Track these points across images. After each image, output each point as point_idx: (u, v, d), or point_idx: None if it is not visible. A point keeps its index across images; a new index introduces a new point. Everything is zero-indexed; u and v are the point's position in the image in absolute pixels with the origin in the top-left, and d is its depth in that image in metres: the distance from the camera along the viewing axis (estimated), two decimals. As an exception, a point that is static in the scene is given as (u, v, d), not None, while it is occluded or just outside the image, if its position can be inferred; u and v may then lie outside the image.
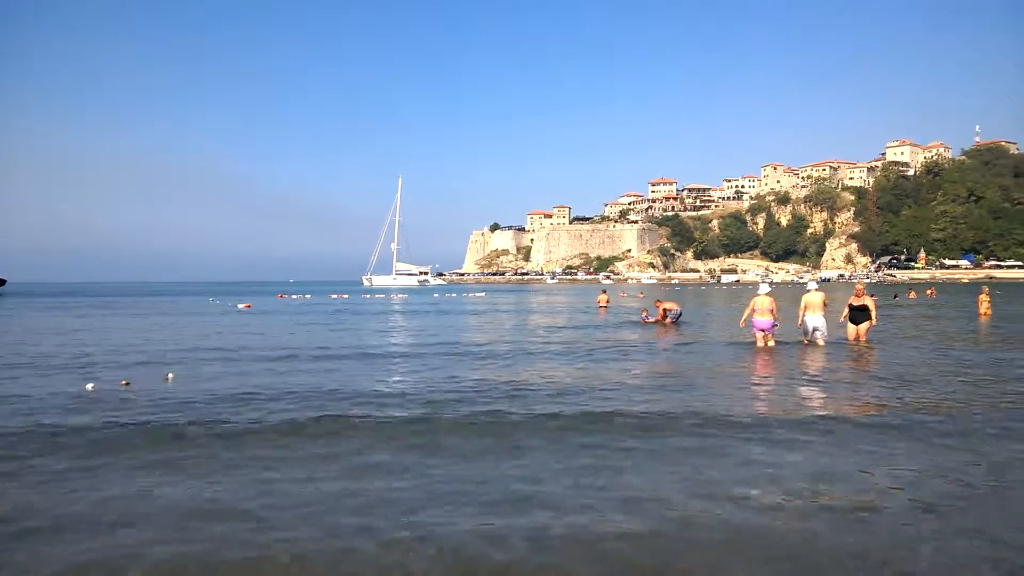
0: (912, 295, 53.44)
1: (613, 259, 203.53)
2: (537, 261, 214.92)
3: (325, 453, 6.95)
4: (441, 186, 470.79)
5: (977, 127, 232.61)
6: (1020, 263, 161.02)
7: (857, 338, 16.95)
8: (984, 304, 28.86)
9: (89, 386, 11.11)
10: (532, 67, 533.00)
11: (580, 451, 6.94)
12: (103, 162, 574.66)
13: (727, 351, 16.24)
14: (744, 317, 17.10)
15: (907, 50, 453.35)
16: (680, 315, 25.61)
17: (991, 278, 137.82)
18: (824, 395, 10.13)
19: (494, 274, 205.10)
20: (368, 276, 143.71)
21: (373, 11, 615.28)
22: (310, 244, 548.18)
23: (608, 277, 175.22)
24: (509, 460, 6.65)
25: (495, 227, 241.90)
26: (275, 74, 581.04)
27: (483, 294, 78.59)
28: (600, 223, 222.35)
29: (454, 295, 75.58)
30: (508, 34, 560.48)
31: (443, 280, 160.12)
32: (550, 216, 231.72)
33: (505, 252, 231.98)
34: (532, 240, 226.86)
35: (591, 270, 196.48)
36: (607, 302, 39.58)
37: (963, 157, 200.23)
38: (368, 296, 72.34)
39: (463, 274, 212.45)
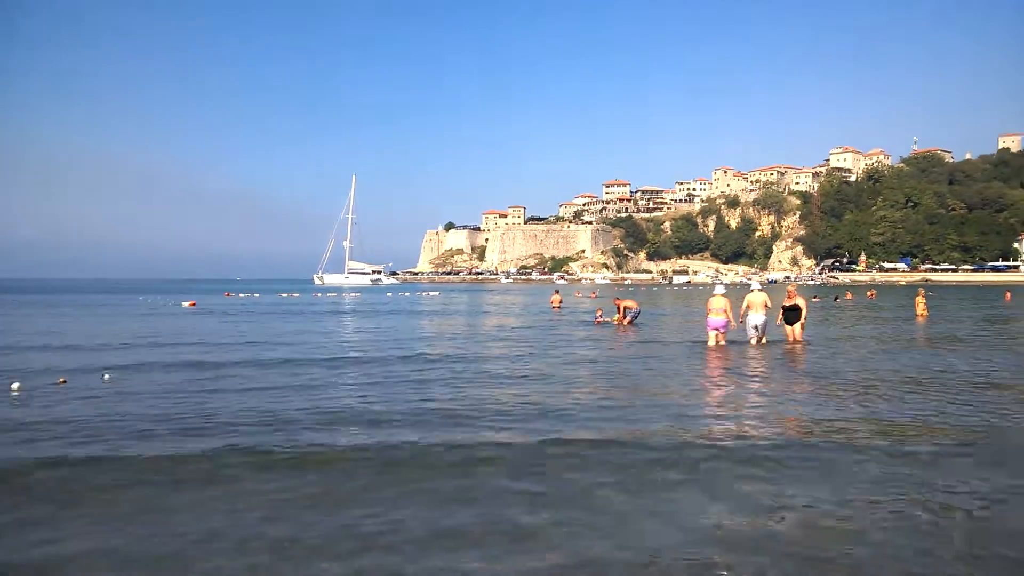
0: (849, 296, 55.60)
1: (567, 259, 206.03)
2: (492, 261, 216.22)
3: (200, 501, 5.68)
4: (396, 185, 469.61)
5: (915, 136, 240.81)
6: (953, 267, 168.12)
7: (793, 340, 17.58)
8: (920, 306, 30.62)
9: (14, 386, 11.18)
10: (490, 67, 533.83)
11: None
12: (40, 157, 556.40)
13: (681, 350, 17.13)
14: (705, 315, 17.73)
15: (850, 61, 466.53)
16: (638, 314, 26.03)
17: (927, 281, 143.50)
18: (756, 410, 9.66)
19: (448, 273, 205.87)
20: (320, 275, 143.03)
21: (325, 5, 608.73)
22: (260, 242, 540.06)
23: (562, 277, 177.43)
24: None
25: (450, 226, 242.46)
26: (224, 67, 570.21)
27: (437, 294, 79.38)
28: (555, 223, 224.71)
29: (407, 294, 76.11)
30: (466, 32, 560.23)
31: (396, 279, 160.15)
32: (505, 216, 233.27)
33: (460, 251, 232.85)
34: (487, 240, 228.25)
35: (545, 270, 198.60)
36: (560, 302, 39.70)
37: (901, 164, 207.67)
38: (319, 295, 72.46)
39: (417, 273, 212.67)
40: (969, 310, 38.03)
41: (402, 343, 19.71)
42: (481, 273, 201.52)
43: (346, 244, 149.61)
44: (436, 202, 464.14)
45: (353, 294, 77.97)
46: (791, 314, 17.78)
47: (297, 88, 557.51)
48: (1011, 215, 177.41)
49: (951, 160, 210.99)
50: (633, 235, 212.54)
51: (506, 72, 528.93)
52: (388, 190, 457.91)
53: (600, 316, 26.25)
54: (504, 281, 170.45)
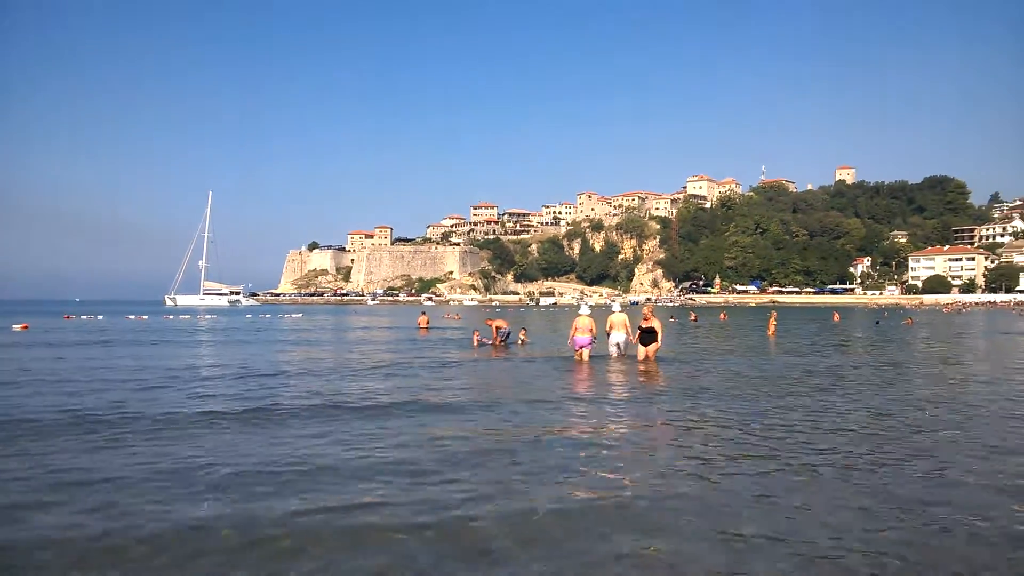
0: (694, 318, 56.01)
1: (435, 281, 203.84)
2: (358, 282, 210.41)
3: None
4: (257, 203, 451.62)
5: (763, 167, 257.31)
6: (797, 289, 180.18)
7: (647, 358, 17.73)
8: (772, 325, 33.14)
9: None
10: (359, 86, 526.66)
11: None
12: None
13: (554, 364, 17.63)
14: (571, 336, 18.44)
15: (704, 93, 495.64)
16: (509, 334, 25.55)
17: (774, 302, 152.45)
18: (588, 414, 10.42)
19: (312, 295, 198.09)
20: (172, 296, 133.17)
21: (187, 16, 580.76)
22: (105, 262, 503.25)
23: (430, 299, 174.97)
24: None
25: (314, 246, 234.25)
26: (55, 69, 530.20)
27: (299, 316, 75.04)
28: (422, 244, 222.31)
29: (268, 316, 71.44)
30: (341, 48, 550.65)
31: (256, 301, 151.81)
32: (372, 236, 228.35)
33: (324, 272, 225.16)
34: (353, 260, 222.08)
35: (413, 291, 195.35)
36: (427, 323, 39.29)
37: (751, 193, 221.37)
38: (171, 317, 66.66)
39: (279, 295, 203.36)
40: (807, 328, 40.48)
41: (256, 381, 16.85)
42: (347, 294, 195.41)
43: (201, 264, 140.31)
44: (299, 222, 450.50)
45: (209, 316, 72.27)
46: (647, 336, 17.95)
47: (150, 101, 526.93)
48: (847, 242, 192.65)
49: (795, 190, 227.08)
50: (501, 257, 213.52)
51: (373, 94, 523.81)
52: (248, 208, 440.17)
53: (478, 338, 25.24)
54: (370, 303, 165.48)
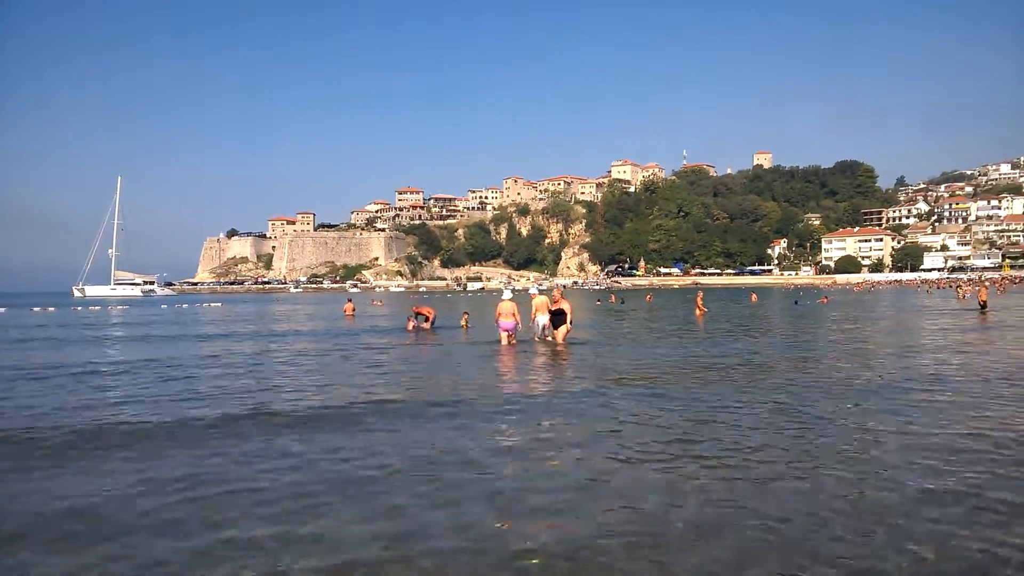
0: (612, 299, 57.75)
1: (360, 267, 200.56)
2: (280, 269, 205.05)
3: None
4: (172, 190, 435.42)
5: (684, 151, 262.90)
6: (718, 270, 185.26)
7: (557, 338, 18.17)
8: (700, 306, 33.89)
9: None
10: (270, 67, 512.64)
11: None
12: None
13: (480, 350, 18.00)
14: (496, 320, 18.85)
15: (629, 77, 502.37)
16: (434, 319, 25.93)
17: (696, 284, 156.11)
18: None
19: (232, 283, 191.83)
20: (80, 286, 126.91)
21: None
22: (12, 250, 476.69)
23: (355, 285, 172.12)
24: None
25: (233, 233, 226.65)
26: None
27: (219, 305, 72.57)
28: (347, 231, 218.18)
29: (185, 306, 68.80)
30: (255, 31, 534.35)
31: (172, 290, 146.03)
32: (294, 223, 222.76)
33: (244, 260, 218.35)
34: (274, 247, 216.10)
35: (338, 278, 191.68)
36: (354, 310, 39.00)
37: (674, 178, 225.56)
38: (79, 309, 63.43)
39: (196, 283, 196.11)
40: (731, 310, 41.34)
41: (172, 392, 15.73)
42: (268, 282, 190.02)
43: (111, 252, 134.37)
44: (217, 208, 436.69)
45: (121, 307, 69.09)
46: (557, 318, 18.36)
47: (56, 86, 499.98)
48: (765, 224, 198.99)
49: (715, 174, 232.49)
50: (427, 242, 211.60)
51: (292, 71, 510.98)
52: (162, 196, 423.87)
53: (412, 323, 25.58)
54: (293, 290, 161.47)
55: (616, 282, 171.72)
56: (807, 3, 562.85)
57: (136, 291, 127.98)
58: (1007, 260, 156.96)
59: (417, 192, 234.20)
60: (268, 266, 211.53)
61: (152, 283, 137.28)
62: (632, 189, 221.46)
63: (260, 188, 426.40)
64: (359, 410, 9.46)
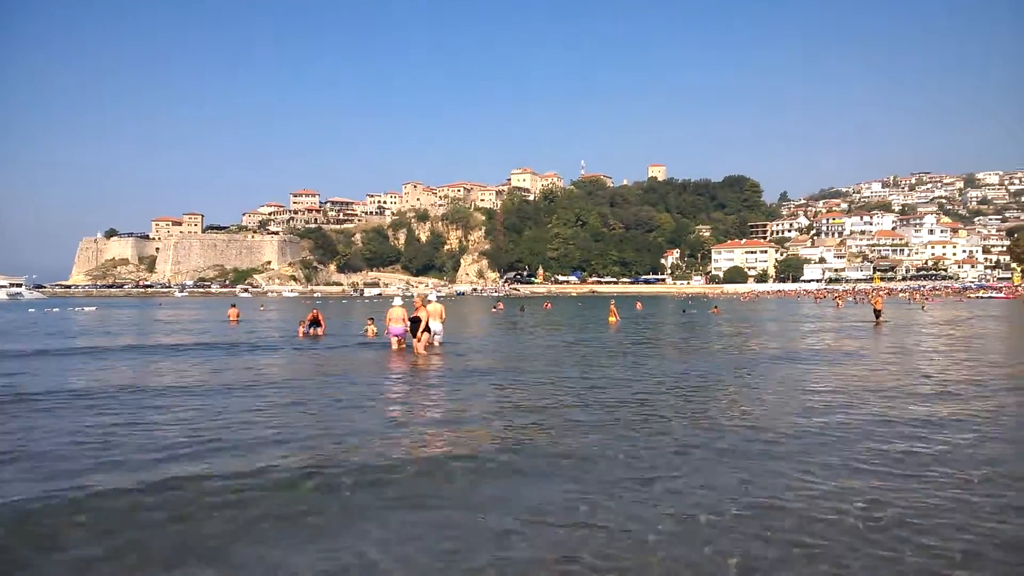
0: (500, 306, 57.32)
1: (252, 271, 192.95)
2: (164, 272, 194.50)
3: None
4: (43, 186, 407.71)
5: (583, 161, 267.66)
6: (614, 279, 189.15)
7: (415, 345, 17.89)
8: (613, 315, 34.31)
9: None
10: (161, 62, 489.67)
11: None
12: None
13: (366, 353, 18.67)
14: (386, 326, 19.27)
15: (522, 88, 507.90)
16: (320, 325, 25.68)
17: (593, 292, 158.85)
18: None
19: (111, 286, 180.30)
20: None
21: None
22: None
23: (246, 290, 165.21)
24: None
25: (112, 233, 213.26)
26: None
27: (93, 309, 67.78)
28: (237, 233, 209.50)
29: (56, 310, 63.86)
30: (135, 23, 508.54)
31: (42, 293, 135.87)
32: (180, 224, 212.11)
33: (124, 262, 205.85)
34: (158, 249, 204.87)
35: (227, 283, 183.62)
36: (238, 316, 37.64)
37: (572, 187, 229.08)
38: (-68, 313, 57.70)
39: (69, 286, 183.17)
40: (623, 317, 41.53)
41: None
42: (151, 286, 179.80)
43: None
44: (95, 208, 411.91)
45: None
46: (414, 324, 18.16)
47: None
48: (659, 235, 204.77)
49: (612, 185, 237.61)
50: (323, 247, 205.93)
51: (180, 63, 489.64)
52: (30, 191, 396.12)
53: (302, 330, 25.04)
54: (178, 295, 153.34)
55: (515, 289, 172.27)
56: (699, 31, 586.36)
57: (0, 294, 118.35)
58: (877, 273, 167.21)
59: (313, 195, 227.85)
60: (151, 269, 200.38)
61: (19, 285, 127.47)
62: (531, 197, 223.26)
63: (143, 187, 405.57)
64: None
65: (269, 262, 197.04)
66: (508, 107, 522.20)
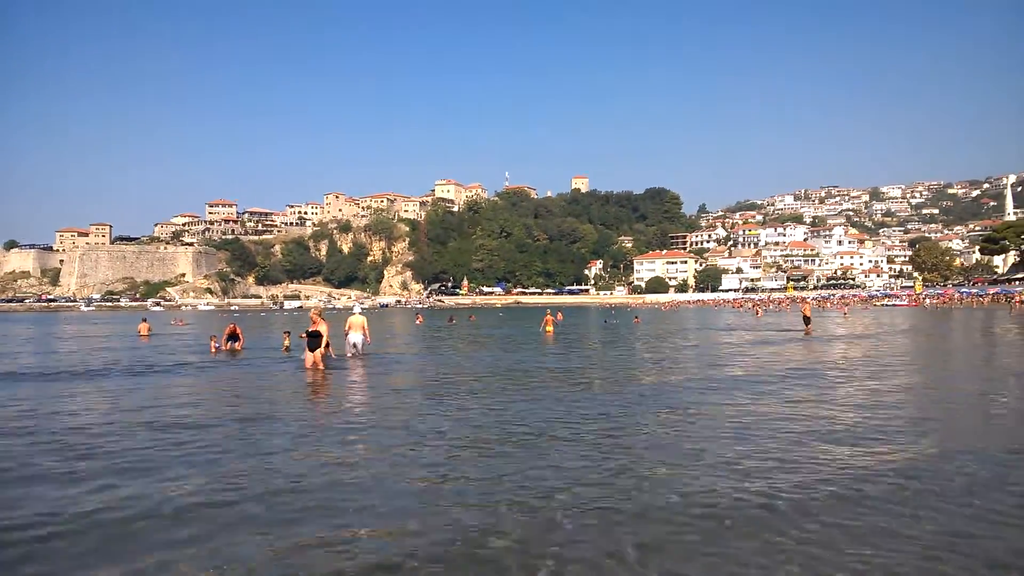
0: (420, 319, 56.03)
1: (165, 284, 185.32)
2: (69, 285, 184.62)
3: None
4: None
5: (507, 173, 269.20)
6: (539, 290, 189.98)
7: (314, 364, 16.45)
8: (549, 323, 33.59)
9: None
10: (62, 64, 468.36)
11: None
12: None
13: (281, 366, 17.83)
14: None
15: (451, 102, 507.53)
16: (239, 339, 24.74)
17: (518, 303, 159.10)
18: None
19: (10, 300, 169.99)
20: None
21: None
22: None
23: (158, 303, 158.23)
24: None
25: (12, 245, 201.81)
26: None
27: (-14, 324, 63.24)
28: (149, 244, 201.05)
29: (-58, 327, 59.18)
30: (38, 27, 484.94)
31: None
32: (87, 235, 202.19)
33: (25, 275, 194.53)
34: (62, 261, 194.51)
35: (138, 296, 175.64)
36: (149, 331, 35.54)
37: (496, 198, 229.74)
38: None
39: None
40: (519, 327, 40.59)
41: None
42: (55, 300, 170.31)
43: None
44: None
45: None
46: (313, 340, 16.74)
47: None
48: (582, 246, 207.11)
49: (536, 196, 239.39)
50: (241, 258, 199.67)
51: (88, 73, 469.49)
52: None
53: (215, 344, 23.63)
54: (85, 308, 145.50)
55: (440, 301, 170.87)
56: (620, 49, 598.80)
57: None
58: (790, 282, 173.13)
59: (230, 205, 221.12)
60: (55, 282, 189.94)
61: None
62: (456, 208, 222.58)
63: (46, 196, 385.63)
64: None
65: (183, 274, 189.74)
66: (432, 118, 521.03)
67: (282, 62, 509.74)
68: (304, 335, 17.04)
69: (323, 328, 16.70)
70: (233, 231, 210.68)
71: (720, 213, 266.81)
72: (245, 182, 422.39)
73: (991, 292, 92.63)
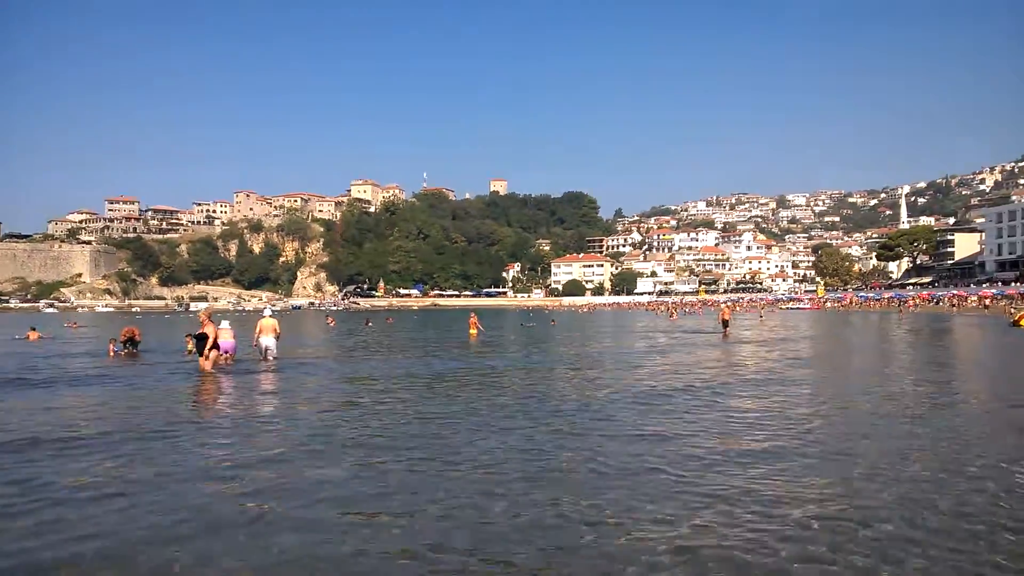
0: (331, 321, 54.71)
1: (60, 284, 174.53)
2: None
3: None
4: None
5: (425, 174, 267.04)
6: (457, 292, 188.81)
7: (204, 367, 15.94)
8: (473, 327, 33.18)
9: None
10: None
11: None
12: None
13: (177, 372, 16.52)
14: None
15: (368, 102, 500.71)
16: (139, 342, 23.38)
17: (435, 305, 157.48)
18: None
19: None
20: None
21: None
22: None
23: (52, 305, 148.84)
24: None
25: None
26: None
27: None
28: (42, 243, 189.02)
29: None
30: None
31: None
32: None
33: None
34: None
35: (29, 297, 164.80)
36: (39, 338, 33.32)
37: (414, 200, 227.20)
38: None
39: None
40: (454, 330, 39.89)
41: None
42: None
43: None
44: None
45: None
46: (200, 342, 16.33)
47: None
48: (500, 248, 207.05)
49: (454, 198, 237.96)
50: (143, 258, 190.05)
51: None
52: None
53: (113, 348, 22.27)
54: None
55: (355, 303, 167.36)
56: (536, 52, 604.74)
57: None
58: (702, 286, 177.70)
59: (132, 202, 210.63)
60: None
61: None
62: (372, 209, 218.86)
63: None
64: None
65: (80, 275, 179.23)
66: (349, 117, 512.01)
67: (187, 51, 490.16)
68: (190, 337, 16.45)
69: (211, 330, 16.12)
70: (135, 229, 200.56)
71: (636, 218, 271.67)
72: (149, 178, 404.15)
73: (886, 296, 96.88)
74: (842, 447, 7.88)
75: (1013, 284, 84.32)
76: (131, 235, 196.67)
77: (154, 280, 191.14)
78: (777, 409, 10.53)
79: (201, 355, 16.15)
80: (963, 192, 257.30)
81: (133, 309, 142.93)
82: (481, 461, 7.19)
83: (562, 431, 8.82)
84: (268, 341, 18.73)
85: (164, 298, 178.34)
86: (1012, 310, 41.77)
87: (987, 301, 67.70)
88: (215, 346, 16.19)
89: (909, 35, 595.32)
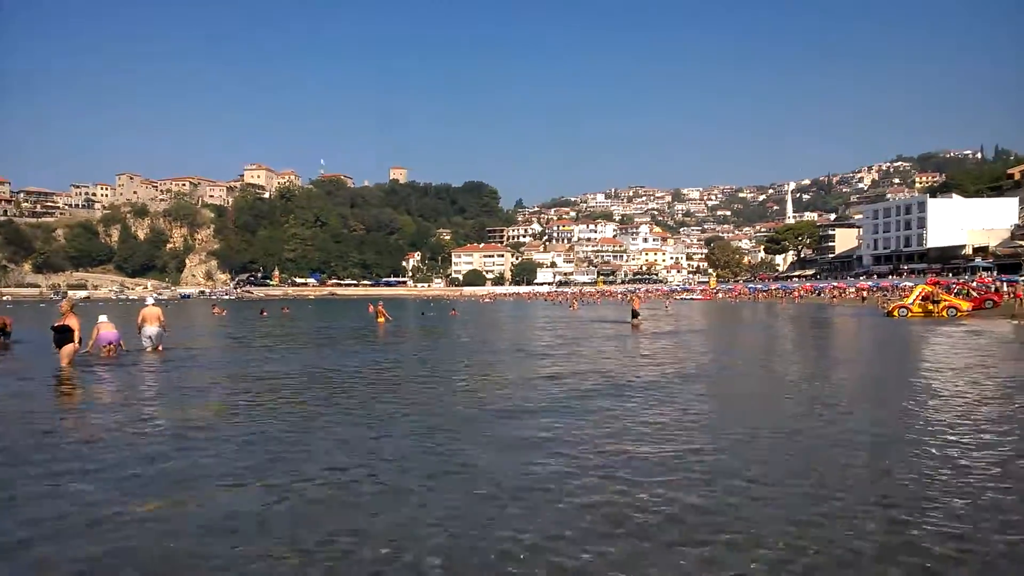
0: (217, 310, 53.42)
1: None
2: None
3: None
4: None
5: (322, 160, 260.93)
6: (355, 282, 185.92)
7: (65, 361, 14.66)
8: (381, 315, 34.01)
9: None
10: None
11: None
12: None
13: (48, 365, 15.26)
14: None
15: (264, 87, 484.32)
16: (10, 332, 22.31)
17: (333, 294, 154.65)
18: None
19: None
20: None
21: None
22: None
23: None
24: None
25: None
26: None
27: None
28: None
29: None
30: None
31: None
32: None
33: None
34: None
35: None
36: None
37: (311, 186, 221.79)
38: None
39: None
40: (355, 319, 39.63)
41: None
42: None
43: None
44: None
45: None
46: (61, 336, 14.94)
47: None
48: (400, 237, 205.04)
49: (352, 185, 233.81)
50: (15, 243, 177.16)
51: None
52: None
53: None
54: None
55: (248, 292, 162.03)
56: (443, 40, 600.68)
57: None
58: (601, 276, 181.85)
59: (3, 183, 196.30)
60: None
61: None
62: (267, 195, 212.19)
63: None
64: None
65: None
66: (241, 99, 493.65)
67: (63, 24, 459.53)
68: (52, 330, 15.02)
69: (73, 322, 14.97)
70: (6, 212, 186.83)
71: (536, 209, 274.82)
72: (21, 158, 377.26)
73: (772, 287, 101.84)
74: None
75: (888, 277, 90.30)
76: (2, 218, 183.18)
77: (27, 267, 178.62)
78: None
79: (60, 347, 14.82)
80: (843, 190, 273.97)
81: (3, 298, 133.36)
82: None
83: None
84: (152, 331, 18.25)
85: (39, 286, 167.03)
86: (886, 303, 44.71)
87: (864, 293, 72.06)
88: (76, 340, 14.97)
89: (798, 40, 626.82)
